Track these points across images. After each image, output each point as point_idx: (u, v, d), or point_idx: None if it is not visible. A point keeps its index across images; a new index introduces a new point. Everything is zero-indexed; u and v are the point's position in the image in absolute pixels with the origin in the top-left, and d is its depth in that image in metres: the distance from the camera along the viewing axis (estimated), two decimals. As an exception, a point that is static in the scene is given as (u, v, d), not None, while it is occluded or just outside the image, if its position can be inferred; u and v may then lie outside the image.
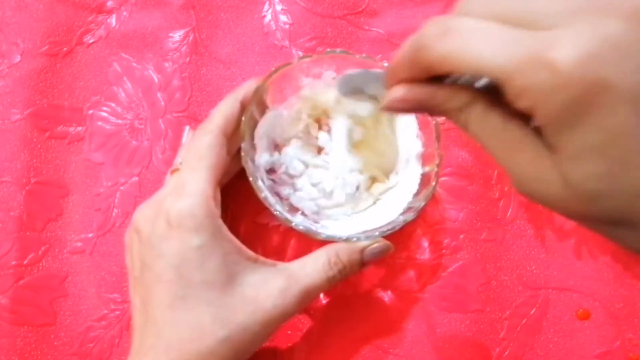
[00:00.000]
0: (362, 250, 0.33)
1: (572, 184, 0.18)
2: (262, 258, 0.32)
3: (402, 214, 0.34)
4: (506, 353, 0.37)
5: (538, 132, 0.19)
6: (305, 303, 0.32)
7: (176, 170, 0.35)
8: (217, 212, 0.32)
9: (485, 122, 0.20)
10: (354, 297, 0.38)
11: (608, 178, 0.17)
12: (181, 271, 0.30)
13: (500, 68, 0.18)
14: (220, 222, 0.31)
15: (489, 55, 0.18)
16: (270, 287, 0.31)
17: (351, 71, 0.30)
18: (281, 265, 0.32)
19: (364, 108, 0.36)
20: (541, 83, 0.17)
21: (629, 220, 0.18)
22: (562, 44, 0.16)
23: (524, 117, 0.19)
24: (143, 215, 0.32)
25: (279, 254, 0.38)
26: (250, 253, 0.32)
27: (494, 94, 0.20)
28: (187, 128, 0.39)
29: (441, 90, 0.21)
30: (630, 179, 0.17)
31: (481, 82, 0.21)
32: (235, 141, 0.35)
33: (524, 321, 0.38)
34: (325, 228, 0.35)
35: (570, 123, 0.17)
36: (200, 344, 0.29)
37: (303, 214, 0.36)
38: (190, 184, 0.31)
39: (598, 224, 0.19)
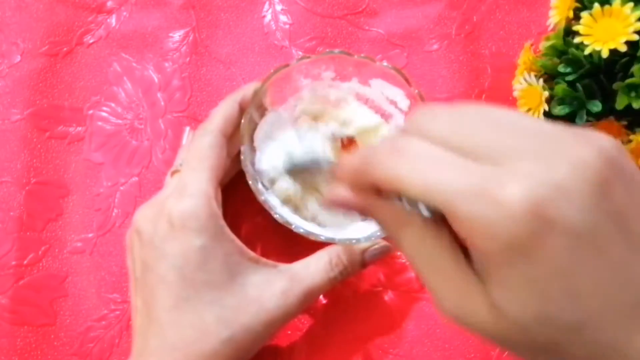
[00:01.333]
0: (363, 252, 0.33)
1: (505, 314, 0.18)
2: (263, 259, 0.32)
3: None
4: (506, 353, 0.37)
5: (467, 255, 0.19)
6: (307, 303, 0.32)
7: (177, 171, 0.35)
8: (219, 212, 0.32)
9: (419, 245, 0.20)
10: (354, 297, 0.38)
11: (541, 309, 0.17)
12: (184, 272, 0.30)
13: (444, 197, 0.18)
14: (222, 222, 0.31)
15: (433, 182, 0.18)
16: (272, 287, 0.31)
17: (299, 158, 0.31)
18: (283, 266, 0.33)
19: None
20: (486, 217, 0.17)
21: (557, 350, 0.18)
22: (511, 182, 0.17)
23: (456, 244, 0.20)
24: (144, 216, 0.32)
25: (279, 255, 0.38)
26: (252, 254, 0.32)
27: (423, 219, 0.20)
28: (187, 129, 0.39)
29: (380, 203, 0.21)
30: (565, 313, 0.17)
31: (424, 210, 0.21)
32: (235, 143, 0.35)
33: (524, 321, 0.38)
34: (325, 230, 0.35)
35: (509, 257, 0.17)
36: (204, 345, 0.29)
37: (304, 214, 0.36)
38: (192, 184, 0.31)
39: (525, 350, 0.19)
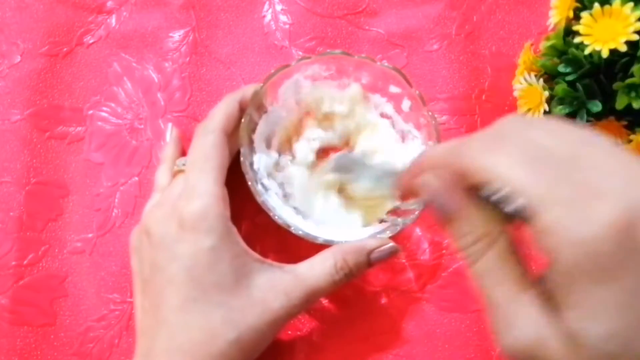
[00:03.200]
0: (369, 253, 0.33)
1: (582, 343, 0.17)
2: (268, 260, 0.33)
3: (402, 217, 0.34)
4: (506, 353, 0.37)
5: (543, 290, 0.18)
6: (309, 304, 0.33)
7: (180, 171, 0.35)
8: (227, 213, 0.32)
9: (499, 266, 0.20)
10: (354, 297, 0.38)
11: (625, 338, 0.17)
12: (193, 273, 0.30)
13: (539, 195, 0.18)
14: (230, 224, 0.32)
15: (531, 180, 0.18)
16: (277, 288, 0.31)
17: (364, 162, 0.31)
18: (288, 267, 0.33)
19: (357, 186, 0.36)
20: (576, 228, 0.17)
21: None
22: (605, 199, 0.17)
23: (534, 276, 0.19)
24: (155, 217, 0.32)
25: (279, 255, 0.38)
26: (256, 255, 0.32)
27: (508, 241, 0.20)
28: (169, 125, 0.40)
29: (475, 207, 0.21)
30: None
31: (510, 208, 0.20)
32: (234, 142, 0.35)
33: (524, 321, 0.38)
34: (323, 232, 0.35)
35: (592, 277, 0.17)
36: (211, 346, 0.29)
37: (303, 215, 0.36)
38: (200, 185, 0.31)
39: None
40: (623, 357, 0.17)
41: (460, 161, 0.20)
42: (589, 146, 0.19)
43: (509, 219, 0.20)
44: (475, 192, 0.21)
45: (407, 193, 0.24)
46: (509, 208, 0.20)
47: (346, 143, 0.39)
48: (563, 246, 0.17)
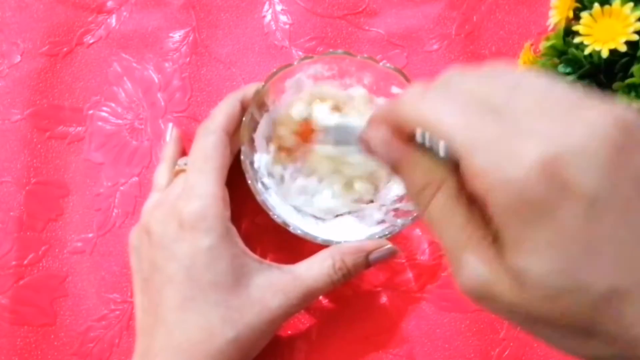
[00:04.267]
0: (368, 254, 0.33)
1: (528, 281, 0.17)
2: (266, 260, 0.33)
3: (401, 218, 0.34)
4: (506, 353, 0.37)
5: (491, 227, 0.19)
6: (307, 303, 0.33)
7: (181, 170, 0.35)
8: (227, 214, 0.32)
9: (447, 211, 0.20)
10: (354, 297, 0.38)
11: (566, 273, 0.17)
12: (192, 272, 0.30)
13: (468, 142, 0.18)
14: (229, 224, 0.32)
15: (460, 126, 0.18)
16: (275, 288, 0.31)
17: (332, 125, 0.31)
18: (286, 267, 0.33)
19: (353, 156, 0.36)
20: (503, 170, 0.17)
21: (587, 328, 0.17)
22: (528, 139, 0.17)
23: (481, 213, 0.19)
24: (155, 217, 0.33)
25: (278, 255, 0.38)
26: (255, 255, 0.32)
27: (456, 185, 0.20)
28: (170, 125, 0.40)
29: (418, 156, 0.21)
30: (590, 280, 0.17)
31: (442, 153, 0.21)
32: (235, 141, 0.35)
33: (523, 321, 0.38)
34: (322, 232, 0.35)
35: (526, 215, 0.17)
36: (209, 345, 0.29)
37: (304, 215, 0.36)
38: (200, 186, 0.32)
39: (548, 327, 0.18)
40: (568, 290, 0.17)
41: (395, 113, 0.21)
42: (521, 90, 0.19)
43: (455, 166, 0.20)
44: (414, 141, 0.22)
45: (367, 150, 0.24)
46: (442, 153, 0.20)
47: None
48: (494, 189, 0.17)
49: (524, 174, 0.17)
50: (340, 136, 0.30)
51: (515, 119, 0.18)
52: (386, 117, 0.22)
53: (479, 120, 0.18)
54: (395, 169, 0.22)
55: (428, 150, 0.21)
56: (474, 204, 0.19)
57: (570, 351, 0.19)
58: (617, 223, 0.17)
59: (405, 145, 0.22)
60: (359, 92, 0.37)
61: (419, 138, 0.22)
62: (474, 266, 0.19)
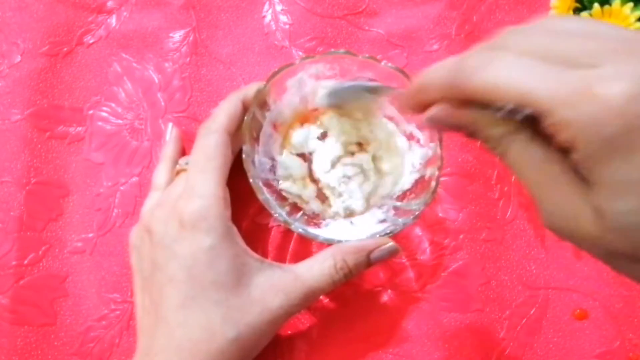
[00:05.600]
0: (369, 254, 0.33)
1: (608, 218, 0.18)
2: (267, 260, 0.33)
3: (402, 217, 0.34)
4: (506, 353, 0.37)
5: (573, 166, 0.19)
6: (308, 303, 0.33)
7: (182, 170, 0.35)
8: (228, 213, 0.32)
9: (525, 154, 0.21)
10: (354, 297, 0.38)
11: None
12: (193, 272, 0.30)
13: (546, 99, 0.18)
14: (230, 224, 0.32)
15: (534, 86, 0.18)
16: (276, 288, 0.31)
17: (339, 84, 0.30)
18: (287, 266, 0.33)
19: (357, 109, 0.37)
20: (587, 115, 0.17)
21: None
22: (609, 80, 0.17)
23: (561, 152, 0.20)
24: (156, 216, 0.33)
25: (279, 254, 0.38)
26: (256, 255, 0.32)
27: (531, 129, 0.20)
28: (170, 125, 0.40)
29: (485, 117, 0.21)
30: None
31: (520, 115, 0.20)
32: (236, 141, 0.35)
33: (523, 321, 0.38)
34: (323, 231, 0.35)
35: (612, 157, 0.17)
36: (210, 344, 0.29)
37: (304, 214, 0.36)
38: (201, 186, 0.32)
39: (629, 261, 0.19)
40: None
41: (459, 83, 0.21)
42: (584, 35, 0.19)
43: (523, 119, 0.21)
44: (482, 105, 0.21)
45: (413, 113, 0.24)
46: (519, 117, 0.20)
47: (359, 144, 0.39)
48: (578, 136, 0.18)
49: (611, 114, 0.17)
50: (339, 96, 0.30)
51: (592, 64, 0.18)
52: (450, 84, 0.22)
53: (556, 76, 0.18)
54: (465, 133, 0.22)
55: (489, 107, 0.21)
56: (550, 147, 0.20)
57: None
58: None
59: (469, 109, 0.22)
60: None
61: (492, 109, 0.21)
62: (558, 202, 0.19)
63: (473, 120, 0.22)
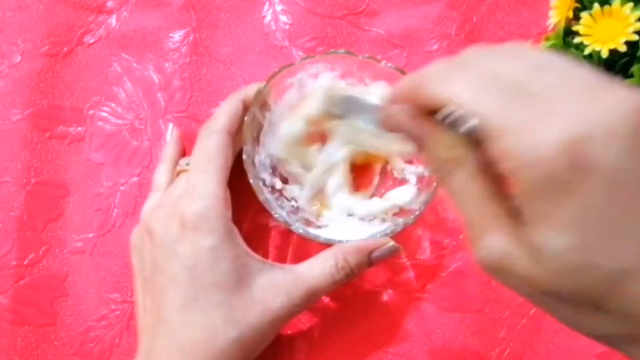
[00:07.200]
0: (370, 253, 0.33)
1: (545, 256, 0.18)
2: (268, 261, 0.33)
3: (402, 217, 0.34)
4: (506, 353, 0.37)
5: (514, 205, 0.19)
6: (310, 303, 0.33)
7: (183, 170, 0.35)
8: (229, 214, 0.32)
9: (467, 187, 0.21)
10: (354, 297, 0.38)
11: (583, 250, 0.17)
12: (194, 272, 0.30)
13: (494, 123, 0.18)
14: (231, 224, 0.32)
15: (485, 107, 0.19)
16: (278, 288, 0.31)
17: (345, 94, 0.30)
18: (288, 267, 0.33)
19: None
20: (530, 149, 0.17)
21: (598, 305, 0.18)
22: (551, 120, 0.17)
23: (503, 187, 0.20)
24: (156, 217, 0.33)
25: (279, 254, 0.38)
26: (257, 255, 0.32)
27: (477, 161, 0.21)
28: (170, 125, 0.40)
29: (439, 136, 0.22)
30: (605, 259, 0.17)
31: (465, 128, 0.21)
32: (237, 141, 0.35)
33: (523, 321, 0.38)
34: (324, 231, 0.35)
35: (549, 195, 0.17)
36: (212, 345, 0.29)
37: (304, 215, 0.36)
38: (202, 186, 0.32)
39: (565, 303, 0.19)
40: (583, 267, 0.17)
41: (422, 90, 0.22)
42: (545, 70, 0.19)
43: (474, 142, 0.21)
44: (433, 116, 0.22)
45: (387, 128, 0.25)
46: (463, 129, 0.20)
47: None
48: (521, 169, 0.18)
49: (550, 155, 0.17)
50: (349, 107, 0.30)
51: (541, 101, 0.18)
52: (410, 94, 0.22)
53: (507, 102, 0.19)
54: (418, 144, 0.23)
55: (447, 126, 0.21)
56: (492, 180, 0.20)
57: (581, 327, 0.19)
58: (635, 202, 0.17)
59: (427, 121, 0.22)
60: (379, 89, 0.37)
61: (440, 115, 0.22)
62: (492, 239, 0.19)
63: (426, 134, 0.22)
